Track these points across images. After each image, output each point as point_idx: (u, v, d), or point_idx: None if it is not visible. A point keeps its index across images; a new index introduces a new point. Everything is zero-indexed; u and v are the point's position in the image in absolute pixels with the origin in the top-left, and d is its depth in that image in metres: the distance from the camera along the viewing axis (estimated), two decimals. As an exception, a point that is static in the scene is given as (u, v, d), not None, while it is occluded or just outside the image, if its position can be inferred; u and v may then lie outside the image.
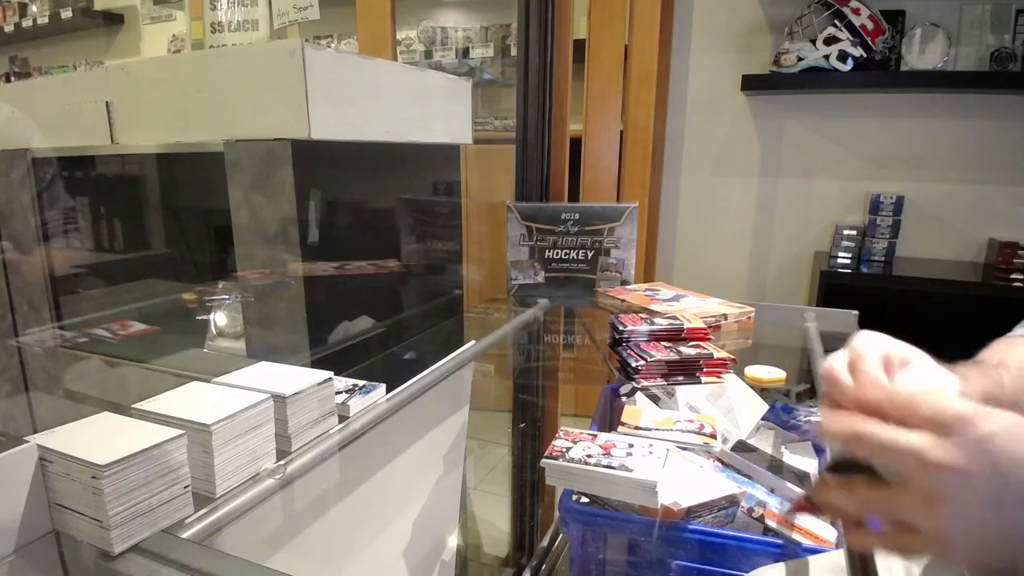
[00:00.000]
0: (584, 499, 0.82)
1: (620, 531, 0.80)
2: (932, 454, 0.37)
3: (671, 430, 0.87)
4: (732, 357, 1.02)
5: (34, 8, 3.55)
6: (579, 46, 1.91)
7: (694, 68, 2.40)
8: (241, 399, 0.63)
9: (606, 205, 1.46)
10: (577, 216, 1.44)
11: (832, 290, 2.01)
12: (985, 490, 0.36)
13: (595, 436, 0.83)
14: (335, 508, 0.83)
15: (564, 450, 0.79)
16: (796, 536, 0.77)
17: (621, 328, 1.11)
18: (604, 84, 2.29)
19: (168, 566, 0.51)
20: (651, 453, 0.77)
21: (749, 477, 0.86)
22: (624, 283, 1.46)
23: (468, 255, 1.55)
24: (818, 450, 1.01)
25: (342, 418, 0.76)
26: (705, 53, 2.37)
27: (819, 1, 2.05)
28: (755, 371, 1.10)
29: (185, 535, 0.55)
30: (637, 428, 0.87)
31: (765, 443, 1.03)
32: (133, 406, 0.62)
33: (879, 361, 0.46)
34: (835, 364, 0.47)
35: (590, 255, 1.46)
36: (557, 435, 0.84)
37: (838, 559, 0.65)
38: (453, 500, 1.21)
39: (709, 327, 1.13)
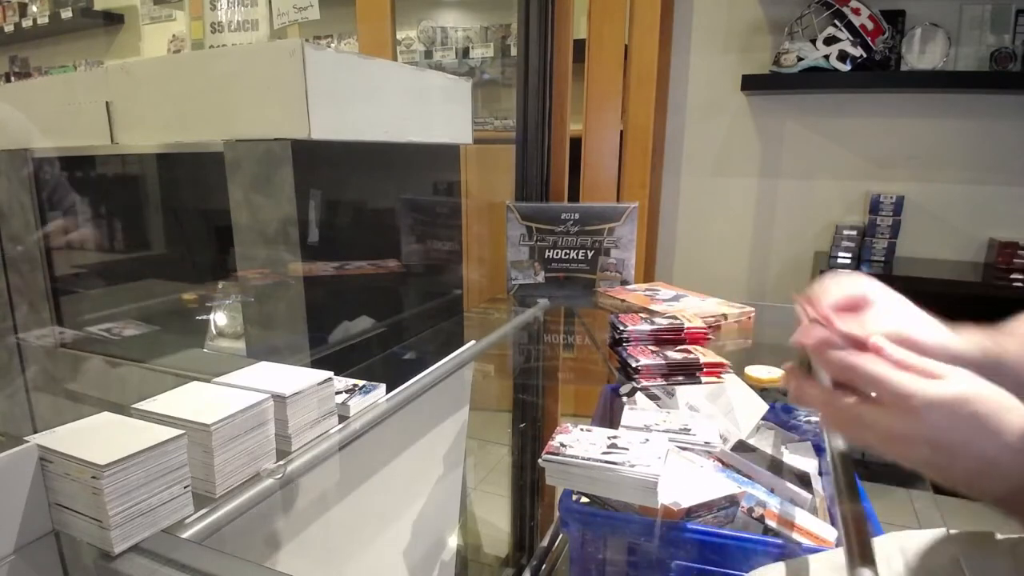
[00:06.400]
0: (584, 499, 0.82)
1: (620, 531, 0.80)
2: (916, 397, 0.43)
3: (671, 431, 0.87)
4: (724, 361, 1.01)
5: (34, 8, 3.55)
6: (579, 46, 1.91)
7: (694, 68, 2.40)
8: (241, 399, 0.63)
9: (606, 205, 1.46)
10: (577, 216, 1.44)
11: (832, 290, 2.01)
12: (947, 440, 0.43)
13: (594, 432, 0.83)
14: (335, 508, 0.83)
15: (563, 448, 0.79)
16: (796, 536, 0.77)
17: (621, 328, 1.11)
18: (604, 84, 2.28)
19: (168, 566, 0.51)
20: (651, 451, 0.77)
21: (749, 477, 0.86)
22: (624, 283, 1.46)
23: (468, 255, 1.55)
24: (818, 450, 1.01)
25: (342, 418, 0.76)
26: (705, 53, 2.37)
27: (819, 1, 2.05)
28: (755, 371, 1.09)
29: (185, 535, 0.55)
30: (637, 428, 0.87)
31: (765, 443, 1.03)
32: (133, 406, 0.62)
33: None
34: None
35: (590, 255, 1.45)
36: (556, 432, 0.84)
37: (838, 559, 0.65)
38: (453, 500, 1.21)
39: (709, 327, 1.13)
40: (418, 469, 1.05)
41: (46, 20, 3.48)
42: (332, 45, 3.16)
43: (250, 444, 0.63)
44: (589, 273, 1.46)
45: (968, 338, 0.56)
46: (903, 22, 2.08)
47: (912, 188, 2.18)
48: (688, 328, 1.11)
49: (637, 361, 1.00)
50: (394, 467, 0.94)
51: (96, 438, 0.55)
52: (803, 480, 0.89)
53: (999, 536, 0.58)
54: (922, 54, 2.05)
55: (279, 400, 0.66)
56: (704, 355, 1.02)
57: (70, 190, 1.36)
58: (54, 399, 1.27)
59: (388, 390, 0.84)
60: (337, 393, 0.77)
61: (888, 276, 2.05)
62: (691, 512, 0.77)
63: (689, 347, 1.07)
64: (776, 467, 0.92)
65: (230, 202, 0.99)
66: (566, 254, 1.46)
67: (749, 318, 1.26)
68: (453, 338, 1.30)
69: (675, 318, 1.15)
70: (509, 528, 1.66)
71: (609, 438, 0.81)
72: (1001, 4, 1.98)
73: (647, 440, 0.80)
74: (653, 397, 1.00)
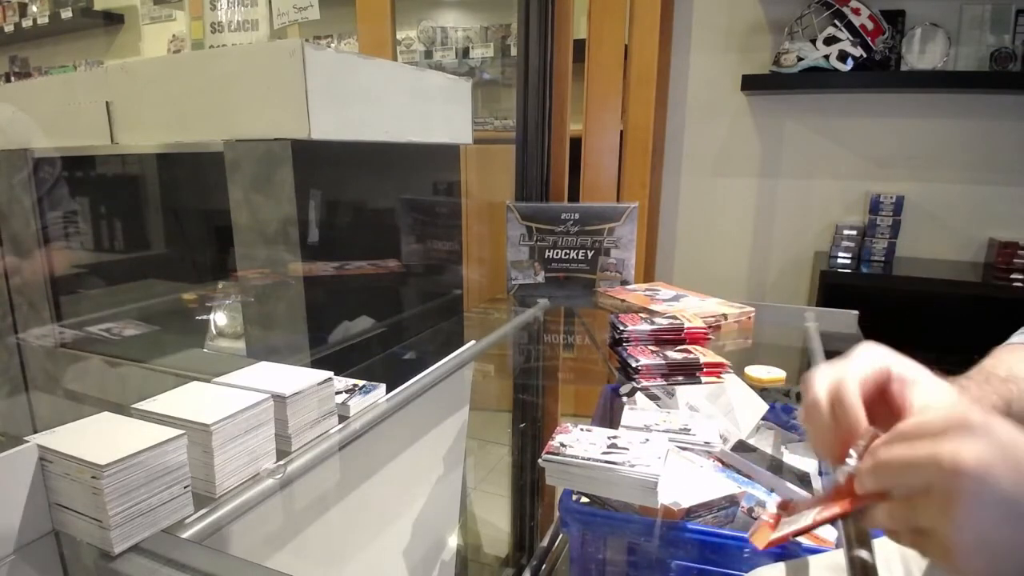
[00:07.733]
0: (584, 499, 0.82)
1: (620, 531, 0.80)
2: (953, 455, 0.35)
3: (671, 431, 0.87)
4: (724, 361, 1.01)
5: (34, 8, 3.55)
6: (579, 46, 1.91)
7: (694, 68, 2.40)
8: (241, 399, 0.63)
9: (606, 205, 1.46)
10: (577, 216, 1.44)
11: (832, 290, 2.01)
12: (1002, 493, 0.34)
13: (594, 432, 0.83)
14: (335, 508, 0.83)
15: (563, 448, 0.79)
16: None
17: (621, 328, 1.11)
18: (604, 84, 2.28)
19: (168, 566, 0.51)
20: (651, 451, 0.77)
21: (749, 477, 0.86)
22: (624, 283, 1.46)
23: (468, 255, 1.55)
24: (818, 450, 1.01)
25: (342, 418, 0.76)
26: (705, 53, 2.37)
27: (819, 1, 2.05)
28: (755, 371, 1.10)
29: (185, 535, 0.55)
30: (637, 428, 0.87)
31: (765, 443, 1.03)
32: (133, 406, 0.62)
33: (859, 388, 0.45)
34: (818, 390, 0.46)
35: (590, 255, 1.46)
36: (556, 432, 0.84)
37: (838, 559, 0.65)
38: (453, 500, 1.21)
39: (709, 327, 1.13)
40: (418, 469, 1.05)
41: (46, 20, 3.48)
42: (332, 45, 3.16)
43: (250, 444, 0.63)
44: (589, 273, 1.46)
45: (968, 397, 0.52)
46: (903, 22, 2.08)
47: (912, 188, 2.18)
48: (688, 328, 1.11)
49: (637, 361, 1.01)
50: (394, 467, 0.94)
51: (96, 438, 0.55)
52: (803, 480, 0.89)
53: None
54: (922, 54, 2.05)
55: (279, 400, 0.66)
56: (704, 355, 1.02)
57: (70, 190, 1.36)
58: (54, 399, 1.27)
59: (388, 390, 0.84)
60: (337, 393, 0.77)
61: (888, 276, 2.05)
62: (691, 512, 0.77)
63: (689, 347, 1.07)
64: (776, 467, 0.92)
65: (230, 202, 0.99)
66: (566, 254, 1.46)
67: (749, 318, 1.26)
68: (453, 338, 1.30)
69: (675, 318, 1.15)
70: (509, 528, 1.66)
71: (609, 438, 0.81)
72: (1001, 4, 1.98)
73: (647, 440, 0.80)
74: (653, 397, 1.00)
